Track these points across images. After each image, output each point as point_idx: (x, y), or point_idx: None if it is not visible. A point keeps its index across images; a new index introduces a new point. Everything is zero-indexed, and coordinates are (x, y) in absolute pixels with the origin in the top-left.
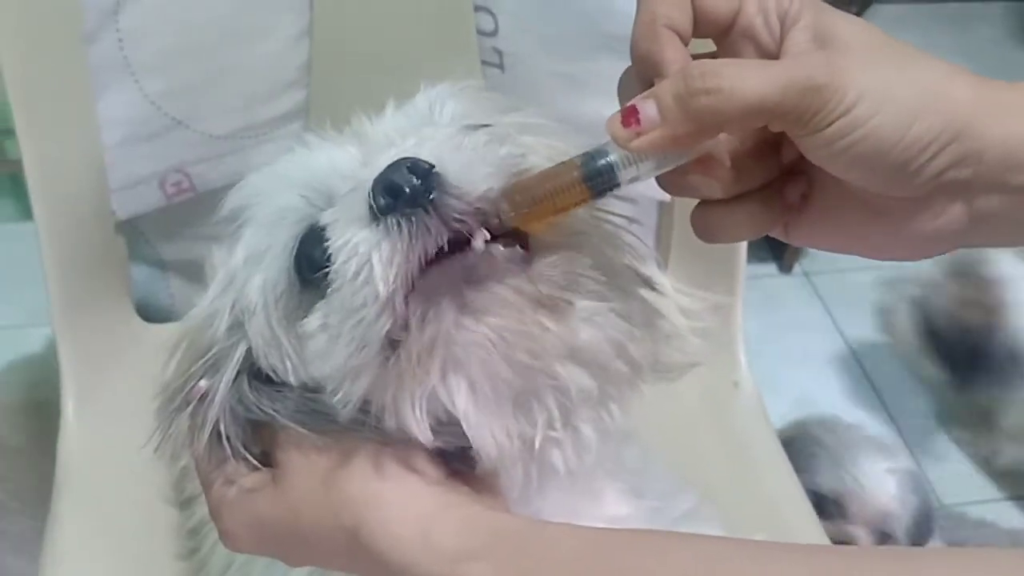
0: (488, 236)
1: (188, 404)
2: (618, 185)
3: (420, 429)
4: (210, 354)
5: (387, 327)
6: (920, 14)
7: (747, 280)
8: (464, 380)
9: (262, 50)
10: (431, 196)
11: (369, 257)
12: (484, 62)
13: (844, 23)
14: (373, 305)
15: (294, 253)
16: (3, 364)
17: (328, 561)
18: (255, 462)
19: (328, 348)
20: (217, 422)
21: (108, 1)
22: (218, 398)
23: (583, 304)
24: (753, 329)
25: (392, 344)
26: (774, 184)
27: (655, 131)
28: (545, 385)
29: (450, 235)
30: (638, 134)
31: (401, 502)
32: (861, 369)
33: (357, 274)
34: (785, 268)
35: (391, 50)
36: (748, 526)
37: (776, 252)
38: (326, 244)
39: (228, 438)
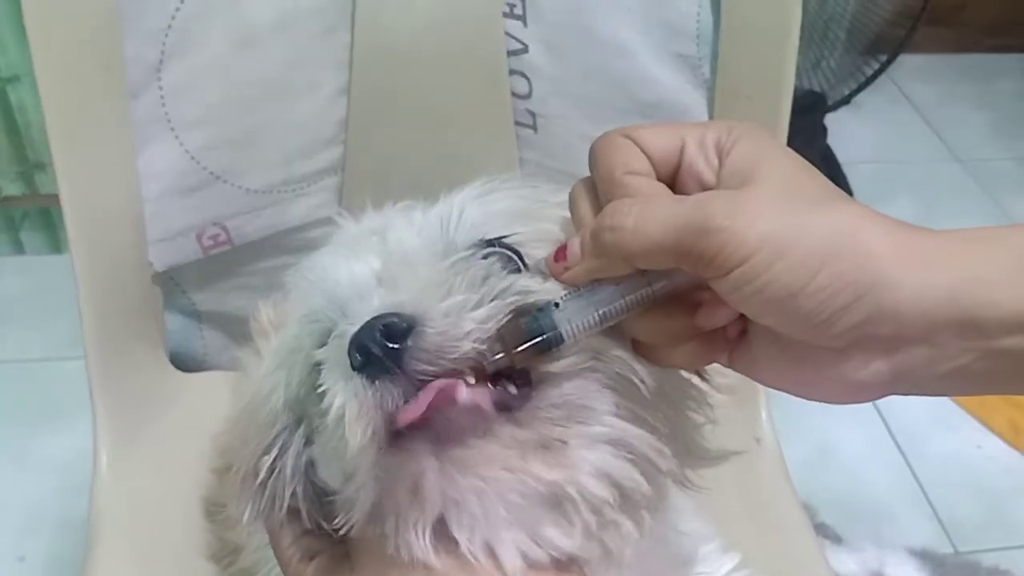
0: (472, 382)
1: (258, 478)
2: (560, 338)
3: (425, 553)
4: (275, 429)
5: (369, 471)
6: (942, 65)
7: None
8: (462, 515)
9: (301, 107)
10: (400, 361)
11: (344, 407)
12: (518, 123)
13: (770, 157)
14: (352, 450)
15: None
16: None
17: None
18: (330, 536)
19: (327, 468)
20: (291, 496)
21: (152, 58)
22: (287, 472)
23: (593, 430)
24: None
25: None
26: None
27: (577, 265)
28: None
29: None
30: (566, 268)
31: None
32: (879, 414)
33: (338, 419)
34: None
35: (427, 109)
36: None
37: None
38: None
39: (302, 512)
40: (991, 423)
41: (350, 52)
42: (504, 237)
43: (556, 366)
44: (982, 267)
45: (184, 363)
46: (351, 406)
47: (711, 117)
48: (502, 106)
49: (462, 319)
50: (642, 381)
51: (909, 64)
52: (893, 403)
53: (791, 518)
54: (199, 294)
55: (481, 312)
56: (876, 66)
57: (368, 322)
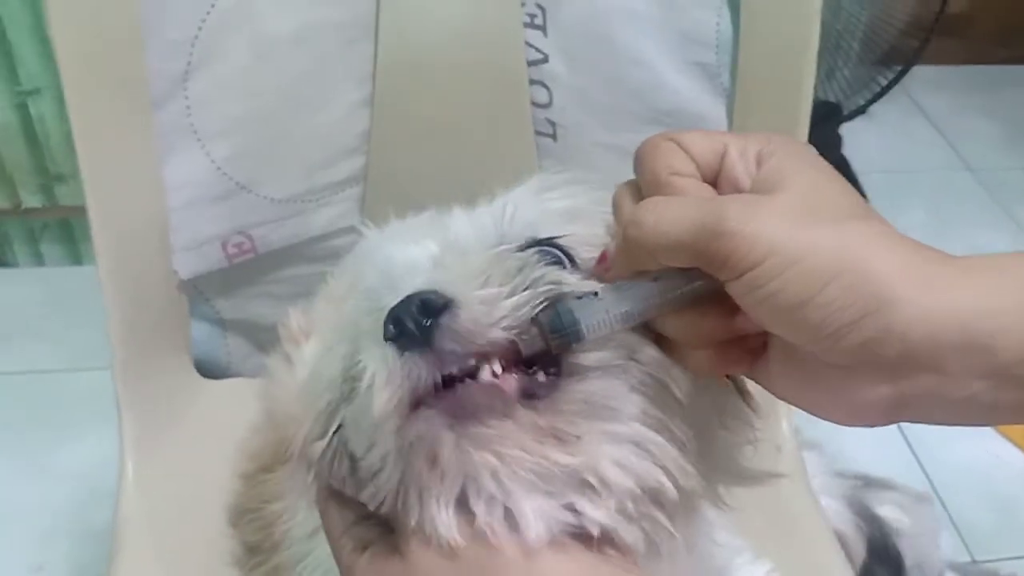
0: (500, 369)
1: (312, 453)
2: (592, 328)
3: (447, 528)
4: (328, 403)
5: (390, 441)
6: (954, 76)
7: None
8: (480, 489)
9: (324, 118)
10: (431, 337)
11: (374, 375)
12: (538, 132)
13: (800, 169)
14: (375, 417)
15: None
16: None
17: None
18: (381, 527)
19: (356, 437)
20: (341, 482)
21: (177, 69)
22: (336, 446)
23: (612, 428)
24: None
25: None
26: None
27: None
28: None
29: (451, 372)
30: (606, 270)
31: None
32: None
33: (368, 386)
34: None
35: (448, 119)
36: None
37: None
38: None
39: (349, 496)
40: (1008, 431)
41: (373, 64)
42: (556, 238)
43: (588, 359)
44: (995, 296)
45: (208, 370)
46: (380, 374)
47: (730, 126)
48: (522, 115)
49: (496, 306)
50: (677, 386)
51: (921, 75)
52: None
53: (813, 526)
54: (223, 302)
55: (514, 300)
56: (890, 76)
57: (407, 297)
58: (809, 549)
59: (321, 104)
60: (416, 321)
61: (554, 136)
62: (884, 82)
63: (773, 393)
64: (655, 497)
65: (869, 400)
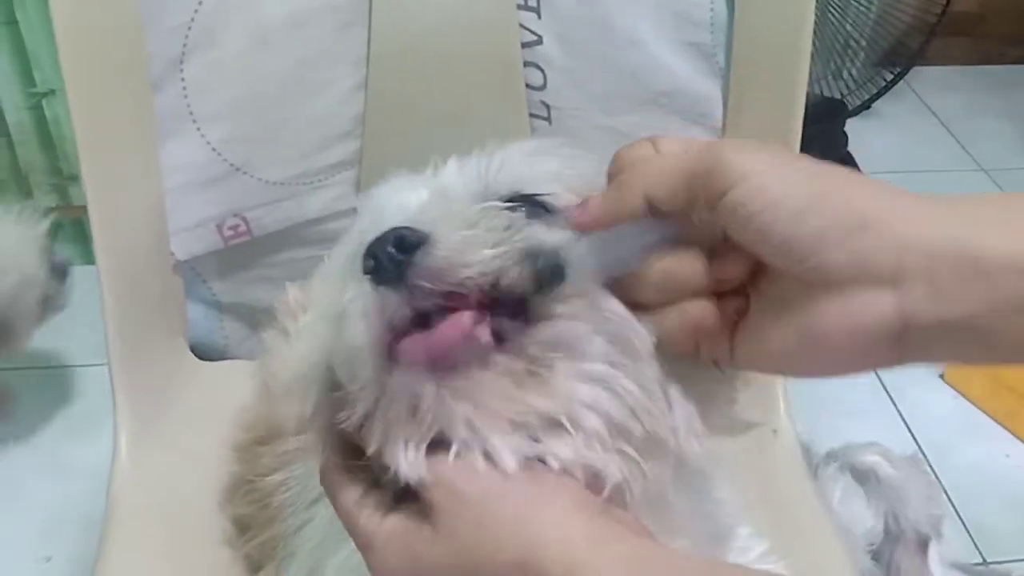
0: (474, 313)
1: (320, 423)
2: (565, 273)
3: (411, 469)
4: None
5: (368, 373)
6: (965, 76)
7: None
8: (458, 434)
9: (319, 101)
10: (404, 272)
11: (351, 305)
12: (532, 115)
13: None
14: (350, 348)
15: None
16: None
17: None
18: (403, 495)
19: (339, 367)
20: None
21: (174, 51)
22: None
23: (582, 367)
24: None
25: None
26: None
27: (597, 208)
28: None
29: (426, 308)
30: (587, 222)
31: (559, 541)
32: (904, 424)
33: (346, 316)
34: None
35: (442, 102)
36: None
37: None
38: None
39: (363, 467)
40: (1019, 431)
41: (367, 47)
42: (541, 195)
43: (555, 307)
44: (981, 209)
45: (205, 353)
46: (355, 305)
47: (725, 106)
48: (517, 98)
49: (473, 250)
50: (639, 340)
51: (931, 75)
52: (919, 411)
53: (809, 510)
54: (220, 284)
55: (494, 250)
56: (895, 72)
57: (384, 232)
58: (803, 532)
59: (316, 88)
60: (390, 256)
61: (549, 119)
62: (889, 77)
63: (761, 367)
64: (624, 435)
65: (868, 323)
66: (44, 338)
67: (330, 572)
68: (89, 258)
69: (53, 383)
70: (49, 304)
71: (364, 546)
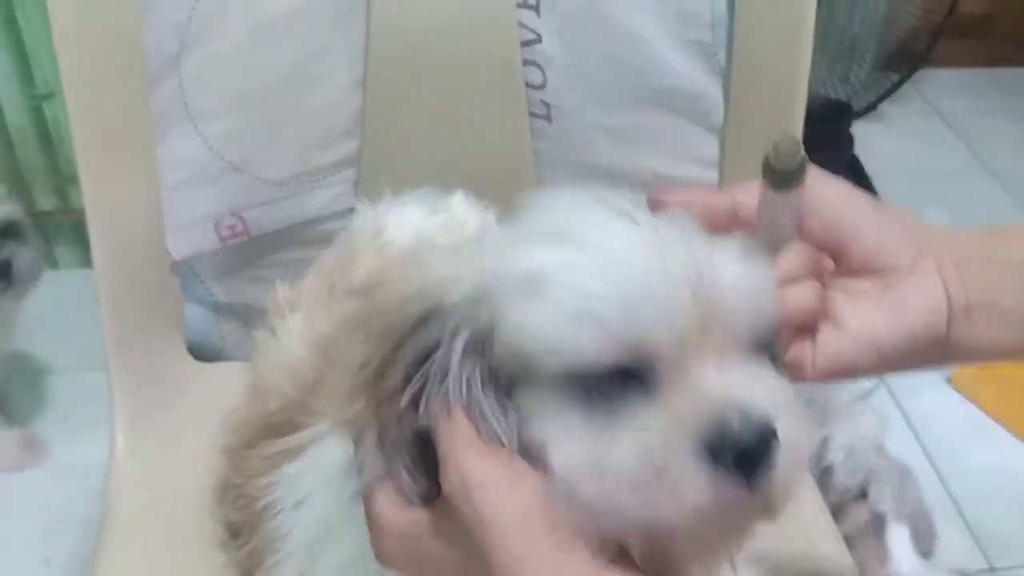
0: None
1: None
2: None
3: None
4: (432, 331)
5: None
6: (973, 79)
7: None
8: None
9: (317, 99)
10: (755, 479)
11: (681, 479)
12: (532, 113)
13: None
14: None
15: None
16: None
17: None
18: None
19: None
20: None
21: (171, 48)
22: (434, 385)
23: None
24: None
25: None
26: None
27: None
28: None
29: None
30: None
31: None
32: (910, 428)
33: (667, 475)
34: None
35: (441, 100)
36: None
37: None
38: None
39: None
40: None
41: (365, 43)
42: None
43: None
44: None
45: (202, 354)
46: (692, 486)
47: (727, 103)
48: (516, 97)
49: (804, 443)
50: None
51: (937, 77)
52: (925, 416)
53: (811, 511)
54: (218, 285)
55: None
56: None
57: (759, 441)
58: (805, 535)
59: (314, 84)
60: (759, 460)
61: (549, 118)
62: (896, 79)
63: (843, 366)
64: None
65: (929, 304)
66: (42, 340)
67: (320, 573)
68: (88, 261)
69: (51, 385)
70: None
71: (372, 527)
